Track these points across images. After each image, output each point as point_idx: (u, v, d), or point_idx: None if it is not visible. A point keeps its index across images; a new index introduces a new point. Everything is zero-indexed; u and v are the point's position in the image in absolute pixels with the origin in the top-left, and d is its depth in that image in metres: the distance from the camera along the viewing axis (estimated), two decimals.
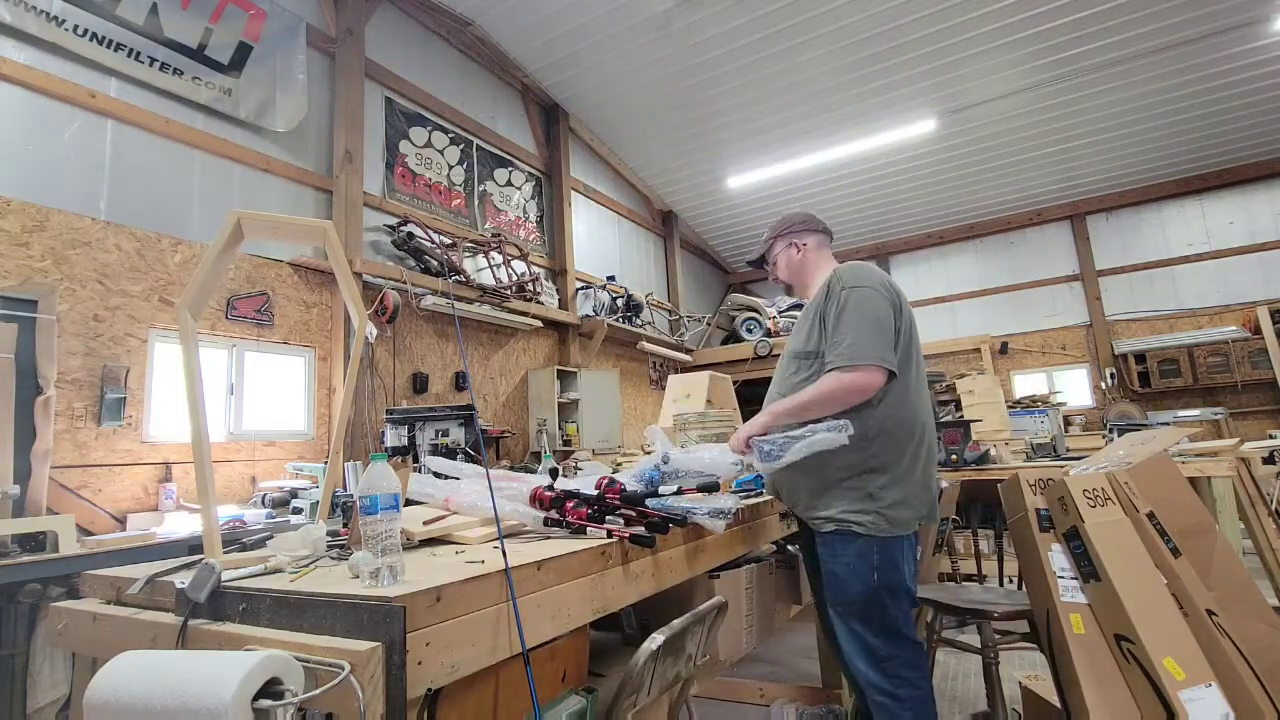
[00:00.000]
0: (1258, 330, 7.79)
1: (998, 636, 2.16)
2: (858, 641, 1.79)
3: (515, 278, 6.24)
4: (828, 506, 1.82)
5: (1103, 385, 8.71)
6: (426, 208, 5.72)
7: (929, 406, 1.92)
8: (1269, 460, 4.51)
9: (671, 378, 4.89)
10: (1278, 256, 8.10)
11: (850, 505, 1.78)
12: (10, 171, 3.28)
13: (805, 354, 1.90)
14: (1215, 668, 1.73)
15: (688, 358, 8.75)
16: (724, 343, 9.35)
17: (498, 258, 6.13)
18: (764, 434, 1.85)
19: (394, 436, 4.21)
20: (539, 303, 6.47)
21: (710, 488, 1.83)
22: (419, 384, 5.25)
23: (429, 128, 5.89)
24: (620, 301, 7.68)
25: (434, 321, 5.52)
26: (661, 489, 1.82)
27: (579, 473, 3.55)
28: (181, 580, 1.25)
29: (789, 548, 3.38)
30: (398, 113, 5.59)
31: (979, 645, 2.17)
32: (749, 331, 8.88)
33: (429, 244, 5.36)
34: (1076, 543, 1.96)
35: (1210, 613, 1.81)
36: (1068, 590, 1.95)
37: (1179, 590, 1.85)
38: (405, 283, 5.02)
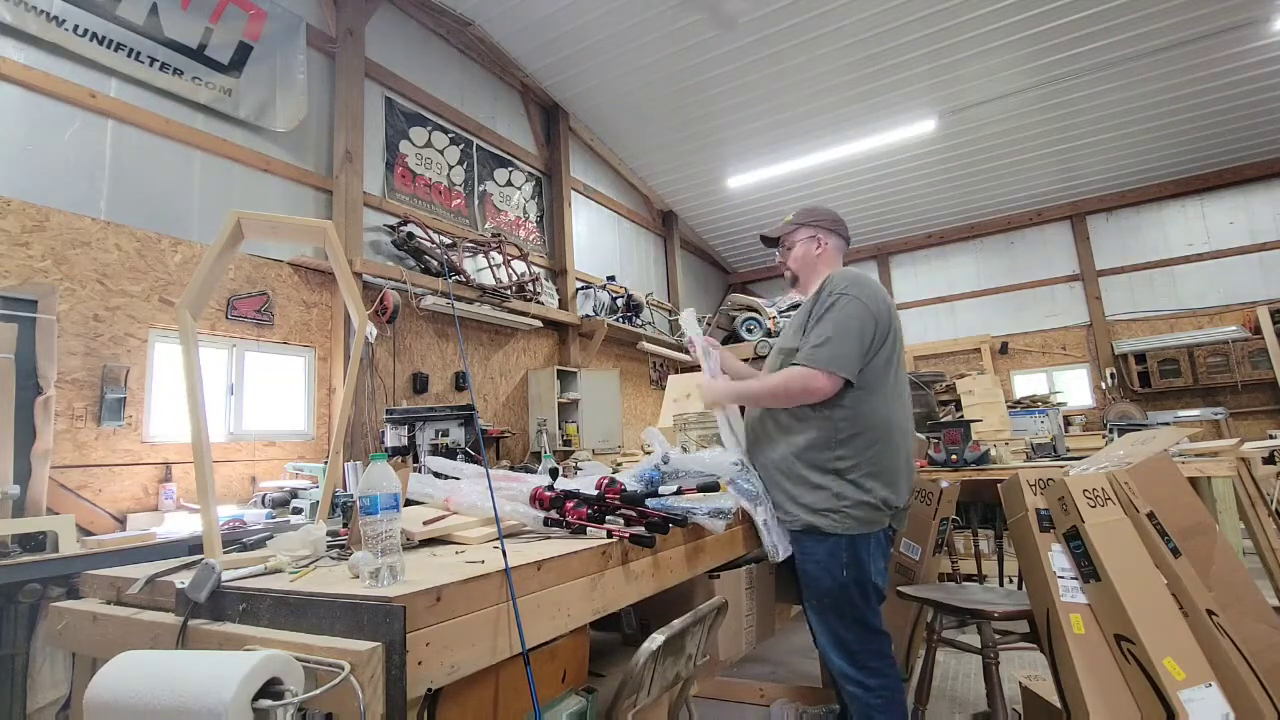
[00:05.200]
0: (1258, 330, 7.79)
1: (998, 636, 2.16)
2: (830, 634, 1.90)
3: (515, 278, 6.24)
4: (797, 507, 1.91)
5: (1103, 385, 8.71)
6: (426, 208, 5.72)
7: (908, 413, 2.02)
8: (1269, 460, 4.50)
9: (671, 378, 4.90)
10: (1278, 256, 8.10)
11: (818, 506, 1.86)
12: (10, 171, 3.28)
13: (793, 350, 1.97)
14: (1215, 668, 1.73)
15: (688, 358, 8.74)
16: (724, 343, 9.27)
17: (498, 258, 6.13)
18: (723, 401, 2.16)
19: (394, 436, 4.21)
20: (539, 303, 6.47)
21: (710, 488, 1.84)
22: (419, 384, 5.25)
23: (429, 128, 5.89)
24: (620, 301, 7.68)
25: (434, 321, 5.52)
26: (661, 489, 1.83)
27: (579, 473, 3.55)
28: (181, 580, 1.25)
29: None
30: (398, 113, 5.60)
31: (979, 645, 2.17)
32: (749, 331, 8.86)
33: (429, 244, 5.36)
34: (1076, 543, 1.96)
35: (1210, 613, 1.81)
36: (1068, 590, 1.95)
37: (1179, 590, 1.85)
38: (405, 283, 5.02)
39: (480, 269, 6.01)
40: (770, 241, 2.27)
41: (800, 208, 2.25)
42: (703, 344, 2.30)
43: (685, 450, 2.55)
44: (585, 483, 1.87)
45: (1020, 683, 2.57)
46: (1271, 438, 6.56)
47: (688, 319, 2.39)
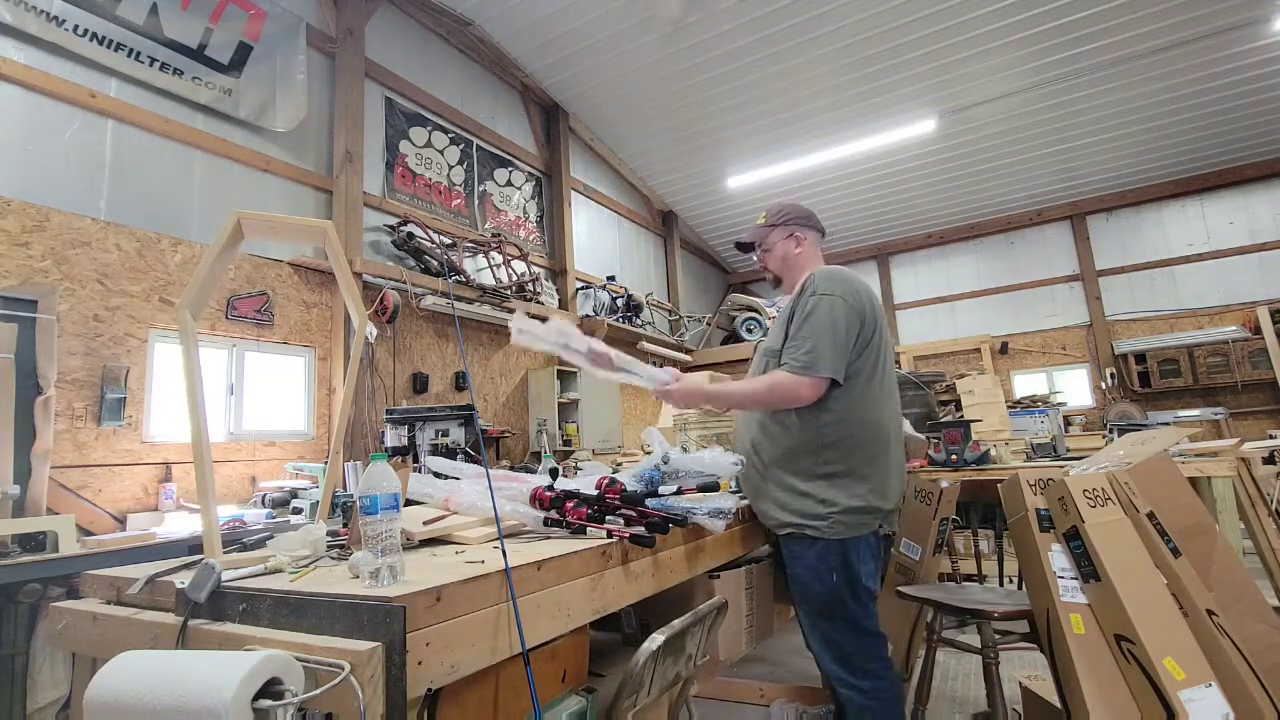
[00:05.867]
0: (1258, 330, 7.79)
1: (998, 636, 2.16)
2: (823, 637, 1.88)
3: (515, 278, 6.24)
4: (785, 511, 1.88)
5: (1103, 385, 8.71)
6: (426, 208, 5.72)
7: (897, 412, 1.99)
8: (1269, 460, 4.51)
9: None
10: (1278, 256, 8.10)
11: (806, 510, 1.84)
12: (10, 171, 3.28)
13: (777, 352, 1.94)
14: (1215, 668, 1.73)
15: (688, 358, 8.74)
16: (724, 343, 9.35)
17: (498, 258, 6.13)
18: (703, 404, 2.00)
19: (394, 436, 4.20)
20: (539, 303, 6.47)
21: (710, 488, 1.84)
22: (419, 384, 5.25)
23: (429, 128, 5.89)
24: (620, 301, 7.68)
25: (434, 321, 5.52)
26: (661, 489, 1.83)
27: (579, 473, 3.55)
28: (181, 580, 1.25)
29: None
30: (398, 113, 5.59)
31: (979, 645, 2.17)
32: (749, 331, 8.89)
33: (429, 244, 5.36)
34: (1076, 543, 1.96)
35: (1210, 613, 1.81)
36: (1068, 590, 1.95)
37: (1179, 590, 1.85)
38: (405, 283, 5.02)
39: (480, 269, 6.01)
40: (746, 246, 2.22)
41: (770, 206, 2.19)
42: (615, 354, 1.86)
43: (685, 450, 2.55)
44: (585, 483, 1.87)
45: (1020, 683, 2.57)
46: (1271, 438, 6.57)
47: (555, 331, 1.75)
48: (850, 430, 1.84)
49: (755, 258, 2.21)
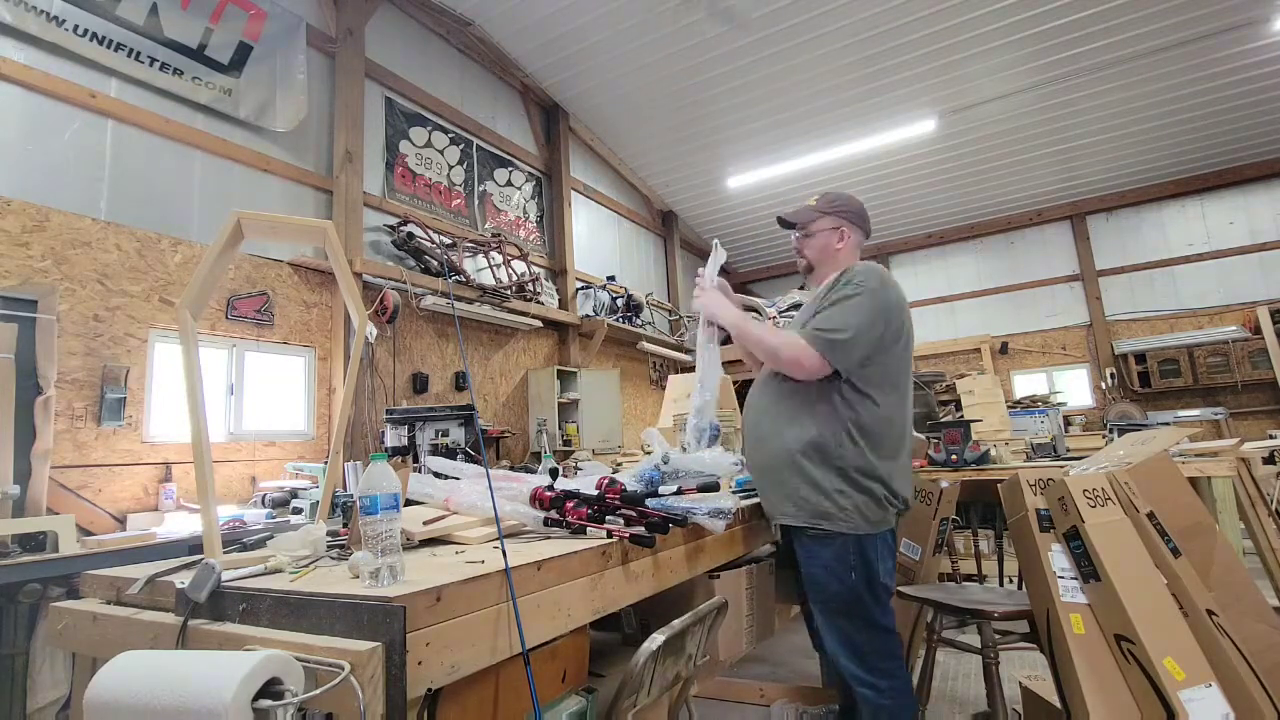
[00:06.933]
0: (1258, 330, 7.79)
1: (998, 636, 2.16)
2: (839, 636, 1.86)
3: (515, 278, 6.24)
4: (803, 503, 1.85)
5: (1103, 385, 8.71)
6: (426, 208, 5.72)
7: (911, 414, 2.00)
8: (1269, 460, 4.51)
9: (671, 377, 4.90)
10: (1278, 256, 8.10)
11: (826, 503, 1.82)
12: (10, 171, 3.28)
13: None
14: (1215, 668, 1.73)
15: (688, 358, 8.74)
16: (724, 343, 9.33)
17: (498, 258, 6.13)
18: (722, 327, 2.09)
19: (394, 436, 4.20)
20: (539, 303, 6.47)
21: (710, 488, 1.84)
22: (419, 384, 5.25)
23: (429, 128, 5.89)
24: (620, 301, 7.68)
25: (434, 321, 5.52)
26: (661, 489, 1.83)
27: (579, 473, 3.55)
28: (181, 580, 1.25)
29: None
30: (398, 113, 5.59)
31: (979, 645, 2.17)
32: None
33: (429, 244, 5.36)
34: (1076, 543, 1.96)
35: (1210, 613, 1.81)
36: (1068, 590, 1.95)
37: (1179, 590, 1.85)
38: (405, 283, 5.02)
39: (480, 269, 6.01)
40: (787, 224, 2.13)
41: (825, 194, 2.12)
42: (715, 265, 2.21)
43: (685, 450, 2.55)
44: (585, 483, 1.87)
45: (1020, 683, 2.56)
46: (1271, 438, 6.57)
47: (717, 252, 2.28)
48: (874, 427, 1.83)
49: (794, 239, 2.14)
